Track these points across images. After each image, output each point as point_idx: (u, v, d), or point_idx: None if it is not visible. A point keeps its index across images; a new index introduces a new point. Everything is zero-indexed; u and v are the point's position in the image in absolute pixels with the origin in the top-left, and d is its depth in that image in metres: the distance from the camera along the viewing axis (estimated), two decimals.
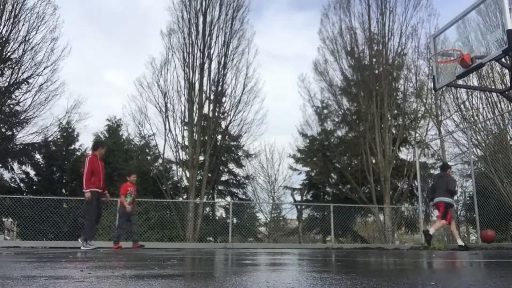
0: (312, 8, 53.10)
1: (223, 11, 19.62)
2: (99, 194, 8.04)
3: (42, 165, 19.23)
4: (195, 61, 19.07)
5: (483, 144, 15.64)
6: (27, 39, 16.24)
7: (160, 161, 19.60)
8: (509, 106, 14.72)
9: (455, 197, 9.39)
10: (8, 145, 16.93)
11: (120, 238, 9.10)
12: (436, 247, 10.17)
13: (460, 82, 10.27)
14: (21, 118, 16.58)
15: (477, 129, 15.56)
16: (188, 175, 18.48)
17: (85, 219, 8.45)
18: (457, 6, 37.97)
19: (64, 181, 19.68)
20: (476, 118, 16.05)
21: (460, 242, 8.78)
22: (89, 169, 7.94)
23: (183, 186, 18.84)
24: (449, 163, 18.16)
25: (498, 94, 14.02)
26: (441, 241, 17.47)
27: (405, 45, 19.53)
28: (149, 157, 20.89)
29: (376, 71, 19.73)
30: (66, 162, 19.44)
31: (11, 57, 16.35)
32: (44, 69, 16.56)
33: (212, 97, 19.35)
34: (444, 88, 12.98)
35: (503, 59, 6.86)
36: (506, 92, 9.18)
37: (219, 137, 19.79)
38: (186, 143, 18.93)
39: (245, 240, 16.48)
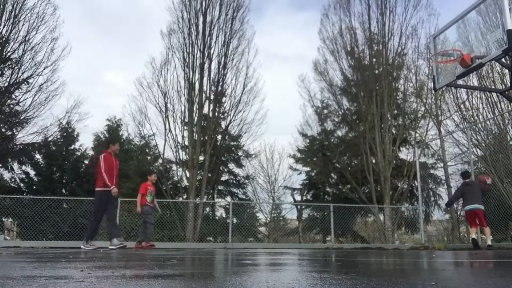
0: (312, 8, 53.13)
1: (223, 11, 19.64)
2: (111, 194, 7.83)
3: (42, 165, 19.24)
4: (195, 61, 19.08)
5: (483, 144, 15.64)
6: (27, 39, 16.25)
7: (160, 161, 19.61)
8: (509, 106, 14.72)
9: None
10: (8, 145, 16.92)
11: (149, 235, 9.05)
12: (436, 247, 10.19)
13: (460, 82, 10.27)
14: (21, 118, 16.57)
15: (477, 129, 15.56)
16: (188, 175, 18.48)
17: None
18: (457, 6, 37.97)
19: (64, 181, 19.68)
20: (476, 118, 16.06)
21: (489, 242, 9.12)
22: (106, 166, 7.72)
23: (183, 186, 18.85)
24: (449, 163, 18.39)
25: (498, 94, 14.02)
26: (441, 241, 17.51)
27: (405, 45, 19.56)
28: (149, 157, 20.90)
29: (376, 71, 19.74)
30: (66, 162, 19.44)
31: (11, 57, 16.35)
32: (44, 69, 16.56)
33: (212, 97, 19.35)
34: (444, 88, 12.98)
35: (503, 59, 6.87)
36: (506, 92, 9.18)
37: (219, 137, 19.78)
38: (186, 143, 18.94)
39: (245, 240, 16.48)
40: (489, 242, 9.05)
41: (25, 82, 16.51)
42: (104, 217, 7.94)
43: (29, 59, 16.38)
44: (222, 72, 19.32)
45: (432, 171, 20.04)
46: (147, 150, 21.08)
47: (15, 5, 16.11)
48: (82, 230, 13.73)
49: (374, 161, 18.84)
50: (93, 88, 40.50)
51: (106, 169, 7.69)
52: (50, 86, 16.76)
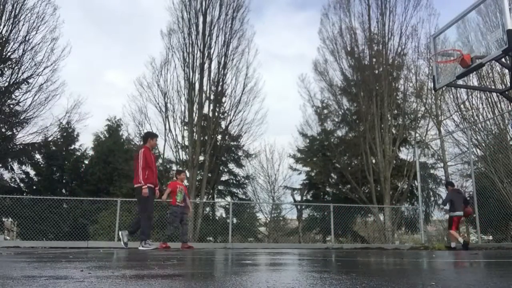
0: (312, 8, 53.13)
1: (223, 11, 19.65)
2: (154, 190, 7.51)
3: (42, 165, 19.24)
4: (195, 61, 19.08)
5: (483, 144, 15.65)
6: (27, 39, 16.26)
7: (160, 161, 19.59)
8: (509, 106, 14.72)
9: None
10: (8, 145, 16.92)
11: (170, 237, 8.81)
12: (436, 247, 10.22)
13: (460, 82, 10.28)
14: (21, 118, 16.58)
15: (477, 129, 15.57)
16: (188, 175, 18.48)
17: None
18: (457, 6, 37.99)
19: (64, 181, 19.69)
20: (476, 118, 16.06)
21: (453, 245, 9.88)
22: (143, 162, 7.33)
23: None
24: (449, 163, 18.41)
25: (498, 94, 14.03)
26: (441, 241, 17.51)
27: (405, 45, 19.58)
28: None
29: (376, 71, 19.74)
30: (66, 162, 19.45)
31: (11, 57, 16.35)
32: (44, 69, 16.58)
33: (212, 97, 19.36)
34: (444, 88, 12.99)
35: (503, 59, 6.85)
36: (506, 92, 9.18)
37: (219, 137, 19.79)
38: (186, 143, 18.95)
39: (245, 240, 16.47)
40: (454, 244, 9.88)
41: (25, 82, 16.52)
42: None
43: (29, 59, 16.41)
44: (222, 72, 19.34)
45: (432, 171, 20.04)
46: None
47: (15, 5, 16.13)
48: (82, 230, 13.76)
49: (374, 161, 18.84)
50: (93, 88, 40.51)
51: (144, 165, 7.35)
52: (50, 86, 16.81)
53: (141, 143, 8.05)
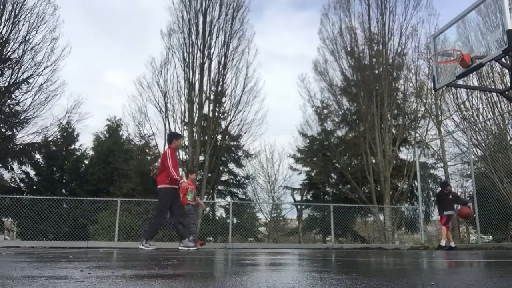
0: (312, 8, 53.09)
1: (223, 11, 19.64)
2: (177, 192, 7.55)
3: (42, 165, 19.24)
4: (195, 61, 19.07)
5: (483, 144, 15.65)
6: (27, 39, 16.27)
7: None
8: (509, 106, 14.73)
9: None
10: (8, 145, 16.92)
11: (195, 234, 8.81)
12: (436, 247, 10.22)
13: (460, 82, 10.28)
14: (21, 118, 16.58)
15: (477, 129, 15.57)
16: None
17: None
18: (457, 6, 38.00)
19: (64, 181, 19.70)
20: (476, 118, 16.07)
21: (443, 243, 9.82)
22: (174, 160, 7.38)
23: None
24: (449, 163, 18.43)
25: (498, 94, 14.03)
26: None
27: (405, 45, 19.58)
28: (149, 157, 20.89)
29: (376, 71, 19.74)
30: (66, 162, 19.45)
31: (11, 57, 16.36)
32: (44, 69, 16.59)
33: (212, 97, 19.35)
34: (444, 88, 12.99)
35: (503, 59, 6.85)
36: (506, 92, 9.18)
37: (219, 137, 19.77)
38: (186, 143, 18.92)
39: (245, 240, 16.47)
40: (448, 243, 9.83)
41: (25, 82, 16.53)
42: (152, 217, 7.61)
43: (29, 59, 16.42)
44: (222, 72, 19.33)
45: (432, 171, 20.04)
46: (147, 150, 21.09)
47: (15, 5, 16.13)
48: (82, 230, 13.76)
49: (374, 161, 18.84)
50: (93, 88, 40.49)
51: (174, 162, 7.37)
52: (50, 86, 16.82)
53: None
